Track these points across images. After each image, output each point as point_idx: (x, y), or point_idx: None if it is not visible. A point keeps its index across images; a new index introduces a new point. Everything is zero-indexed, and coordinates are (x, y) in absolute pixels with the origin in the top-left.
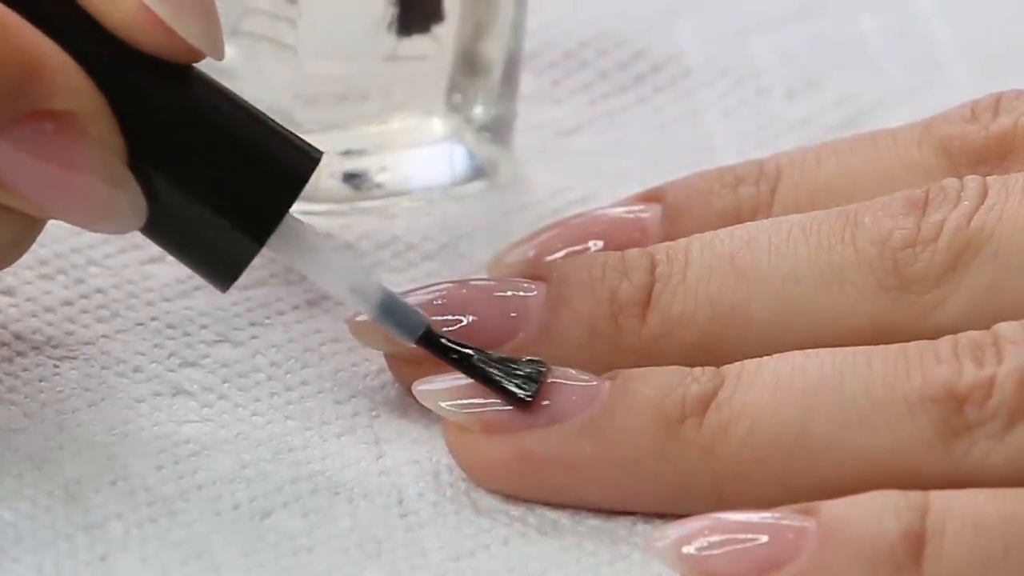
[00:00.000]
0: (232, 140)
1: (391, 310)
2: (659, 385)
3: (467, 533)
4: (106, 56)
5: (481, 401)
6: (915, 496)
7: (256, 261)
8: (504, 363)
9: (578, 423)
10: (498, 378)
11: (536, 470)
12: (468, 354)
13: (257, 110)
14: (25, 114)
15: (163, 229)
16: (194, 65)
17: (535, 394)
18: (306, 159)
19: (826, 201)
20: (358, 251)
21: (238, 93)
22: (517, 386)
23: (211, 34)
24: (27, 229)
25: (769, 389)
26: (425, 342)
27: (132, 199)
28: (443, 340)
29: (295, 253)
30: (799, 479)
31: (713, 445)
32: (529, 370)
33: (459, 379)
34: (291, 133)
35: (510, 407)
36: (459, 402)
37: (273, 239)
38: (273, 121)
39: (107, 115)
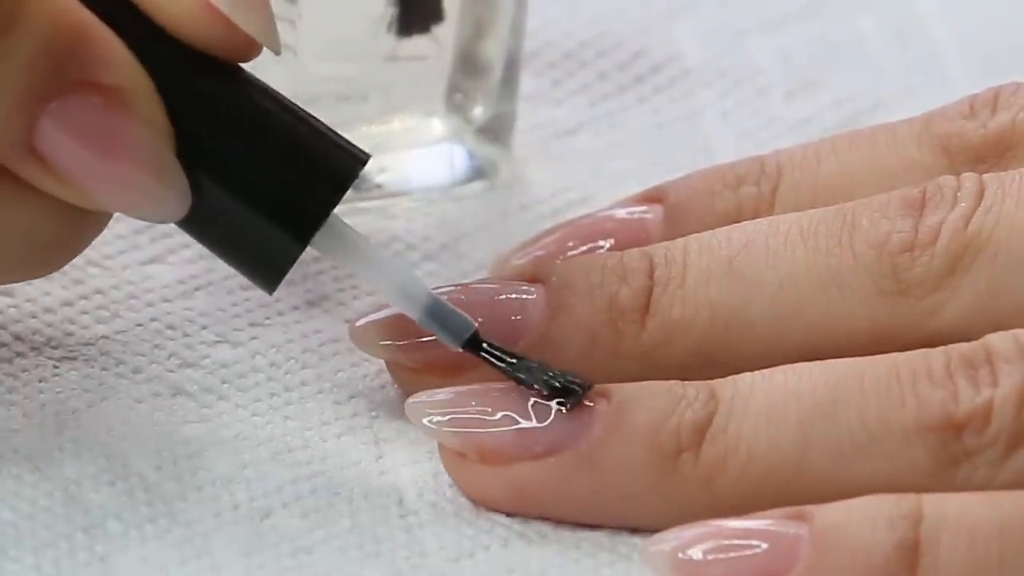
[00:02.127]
0: (278, 138)
1: (437, 313)
2: (653, 412)
3: (467, 534)
4: (158, 48)
5: (475, 419)
6: (908, 502)
7: None
8: (546, 372)
9: (573, 457)
10: (539, 387)
11: (533, 502)
12: (513, 361)
13: (304, 111)
14: (74, 82)
15: (207, 226)
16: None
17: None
18: (352, 160)
19: (826, 201)
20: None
21: None
22: (560, 399)
23: (268, 26)
24: (69, 224)
25: (763, 419)
26: (471, 347)
27: (177, 185)
28: (488, 345)
29: (343, 253)
30: None
31: (711, 478)
32: (573, 386)
33: (452, 394)
34: (338, 135)
35: (510, 433)
36: (452, 419)
37: (320, 239)
38: (320, 122)
39: (155, 97)
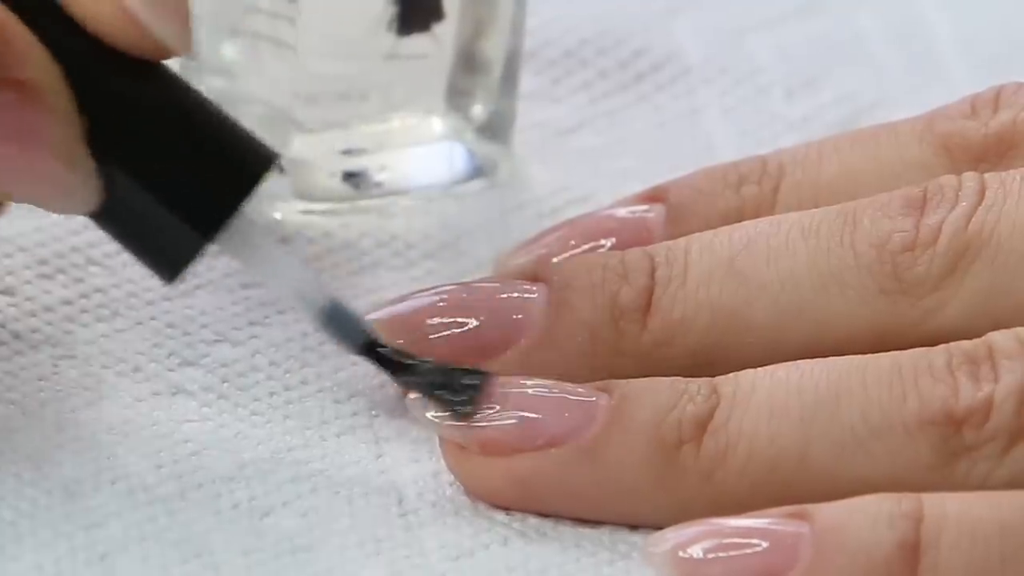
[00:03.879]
0: (189, 135)
1: (335, 318)
2: (655, 406)
3: (467, 533)
4: (71, 41)
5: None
6: (909, 502)
7: None
8: (450, 374)
9: (575, 449)
10: (440, 393)
11: (533, 495)
12: (413, 365)
13: (218, 108)
14: None
15: (115, 218)
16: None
17: (475, 405)
18: (262, 160)
19: (828, 200)
20: (358, 249)
21: (238, 91)
22: (459, 402)
23: (183, 35)
24: None
25: (765, 415)
26: (367, 353)
27: (88, 178)
28: (386, 351)
29: (244, 253)
30: (799, 504)
31: (712, 472)
32: (474, 381)
33: None
34: (251, 133)
35: (512, 425)
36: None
37: (224, 237)
38: (234, 120)
39: (66, 91)
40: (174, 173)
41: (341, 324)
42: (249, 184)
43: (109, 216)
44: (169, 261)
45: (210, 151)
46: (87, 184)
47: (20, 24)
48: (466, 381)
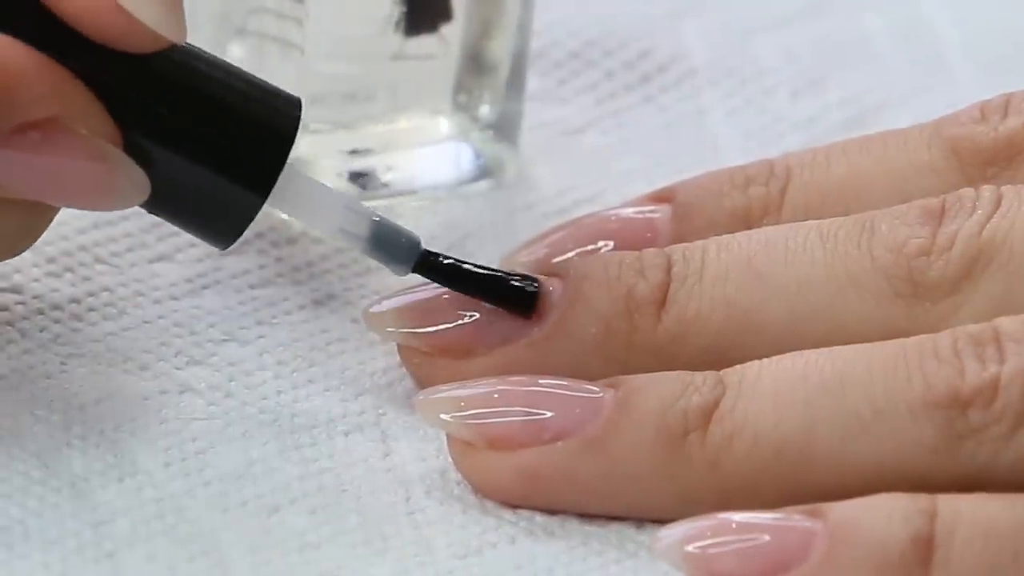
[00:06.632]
0: (220, 102)
1: (381, 242)
2: (661, 397)
3: (474, 531)
4: (79, 46)
5: (486, 411)
6: (923, 500)
7: (263, 261)
8: (504, 280)
9: (582, 440)
10: (502, 279)
11: (541, 488)
12: (467, 269)
13: (235, 67)
14: (10, 131)
15: (168, 200)
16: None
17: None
18: (292, 107)
19: (836, 202)
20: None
21: None
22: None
23: (171, 19)
24: (35, 215)
25: (770, 400)
26: (421, 269)
27: (132, 176)
28: (438, 260)
29: (289, 203)
30: (805, 489)
31: (717, 459)
32: (531, 286)
33: (463, 389)
34: (270, 84)
35: (520, 421)
36: (463, 413)
37: (273, 192)
38: (251, 75)
39: (91, 105)
40: (216, 143)
41: (388, 247)
42: (288, 134)
43: (162, 199)
44: (227, 228)
45: (243, 111)
46: (132, 179)
47: (31, 56)
48: (520, 285)
